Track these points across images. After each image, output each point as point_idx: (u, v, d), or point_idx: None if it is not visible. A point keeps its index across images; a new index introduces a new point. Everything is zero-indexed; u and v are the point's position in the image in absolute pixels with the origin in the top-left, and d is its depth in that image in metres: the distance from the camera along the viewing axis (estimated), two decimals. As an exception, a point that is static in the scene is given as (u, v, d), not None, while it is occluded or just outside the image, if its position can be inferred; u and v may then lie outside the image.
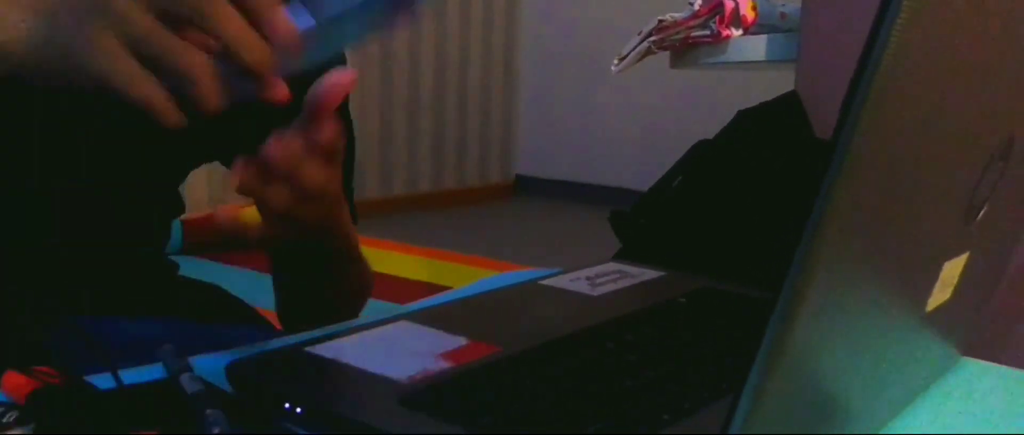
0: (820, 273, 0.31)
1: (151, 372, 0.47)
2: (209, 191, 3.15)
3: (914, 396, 0.53)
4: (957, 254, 0.44)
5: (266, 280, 0.85)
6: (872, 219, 0.34)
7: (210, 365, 0.49)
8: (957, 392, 0.55)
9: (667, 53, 1.38)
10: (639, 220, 1.23)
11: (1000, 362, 0.60)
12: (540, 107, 4.67)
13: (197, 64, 0.49)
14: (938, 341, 0.51)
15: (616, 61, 1.33)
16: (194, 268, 0.91)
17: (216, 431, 0.39)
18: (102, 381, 0.44)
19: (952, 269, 0.44)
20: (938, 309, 0.46)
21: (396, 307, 0.72)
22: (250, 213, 0.87)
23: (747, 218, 1.08)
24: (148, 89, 0.48)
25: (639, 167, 4.16)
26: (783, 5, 1.32)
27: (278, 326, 0.84)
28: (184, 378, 0.44)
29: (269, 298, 0.85)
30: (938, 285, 0.44)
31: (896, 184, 0.34)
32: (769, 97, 1.21)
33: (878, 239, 0.35)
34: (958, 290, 0.48)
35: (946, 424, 0.50)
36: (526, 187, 4.78)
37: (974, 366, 0.59)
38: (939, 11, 0.31)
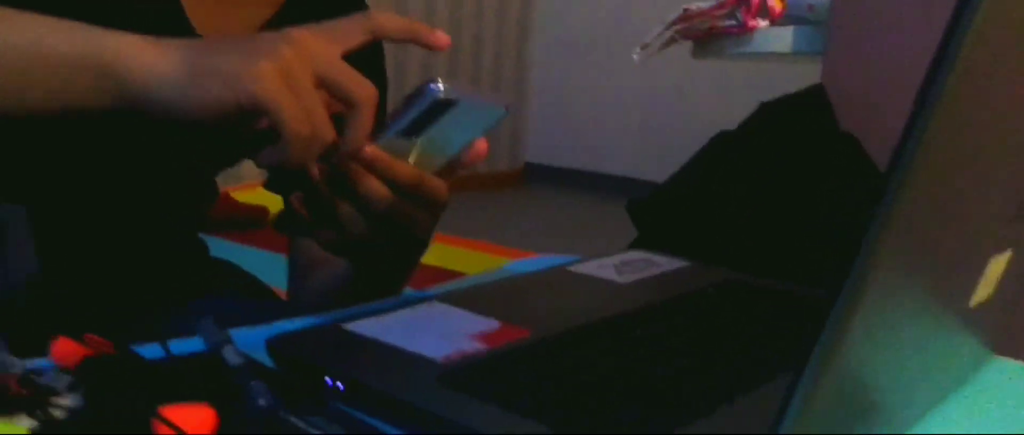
0: (878, 275, 0.31)
1: (191, 344, 0.47)
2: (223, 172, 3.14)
3: (948, 394, 0.53)
4: (1003, 250, 0.44)
5: (281, 260, 0.85)
6: (929, 218, 0.34)
7: (249, 339, 0.49)
8: (990, 391, 0.55)
9: (683, 43, 1.38)
10: (658, 210, 1.23)
11: (1028, 361, 0.60)
12: (551, 95, 4.66)
13: (372, 93, 0.55)
14: (975, 338, 0.51)
15: (639, 49, 1.33)
16: (212, 247, 0.92)
17: (261, 403, 0.39)
18: (148, 352, 0.44)
19: (996, 265, 0.44)
20: (979, 305, 0.46)
21: (408, 291, 0.72)
22: (264, 194, 0.87)
23: (768, 211, 1.08)
24: (303, 115, 0.52)
25: (649, 157, 4.16)
26: (811, -3, 1.31)
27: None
28: (226, 351, 0.44)
29: (284, 278, 0.85)
30: (982, 281, 0.44)
31: (953, 182, 0.34)
32: (790, 87, 1.21)
33: (932, 236, 0.35)
34: (998, 288, 0.48)
35: (980, 423, 0.50)
36: (535, 175, 4.78)
37: (1007, 365, 0.59)
38: (1009, 16, 0.31)
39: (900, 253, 0.32)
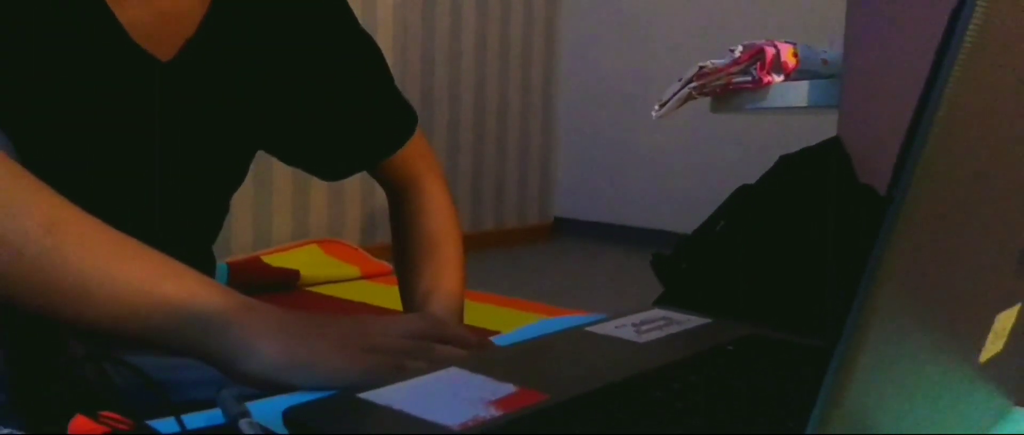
0: (876, 327, 0.32)
1: (210, 417, 0.48)
2: (254, 234, 3.19)
3: (967, 447, 0.52)
4: (1009, 305, 0.44)
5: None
6: (926, 272, 0.34)
7: (267, 410, 0.50)
8: (1011, 443, 0.54)
9: (708, 97, 1.39)
10: (681, 264, 1.23)
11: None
12: (579, 149, 4.69)
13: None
14: (991, 392, 0.51)
15: (657, 106, 1.34)
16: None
17: (276, 477, 0.40)
18: (164, 426, 0.45)
19: (1004, 321, 0.44)
20: (991, 360, 0.46)
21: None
22: (295, 257, 0.90)
23: (791, 264, 1.08)
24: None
25: (678, 210, 4.15)
26: (824, 52, 1.32)
27: None
28: (243, 423, 0.45)
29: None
30: (991, 336, 0.44)
31: (949, 237, 0.34)
32: (808, 139, 1.21)
33: (932, 291, 0.35)
34: (1010, 341, 0.48)
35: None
36: (565, 229, 4.78)
37: (1027, 417, 0.59)
38: (993, 63, 0.32)
39: (898, 305, 0.33)
